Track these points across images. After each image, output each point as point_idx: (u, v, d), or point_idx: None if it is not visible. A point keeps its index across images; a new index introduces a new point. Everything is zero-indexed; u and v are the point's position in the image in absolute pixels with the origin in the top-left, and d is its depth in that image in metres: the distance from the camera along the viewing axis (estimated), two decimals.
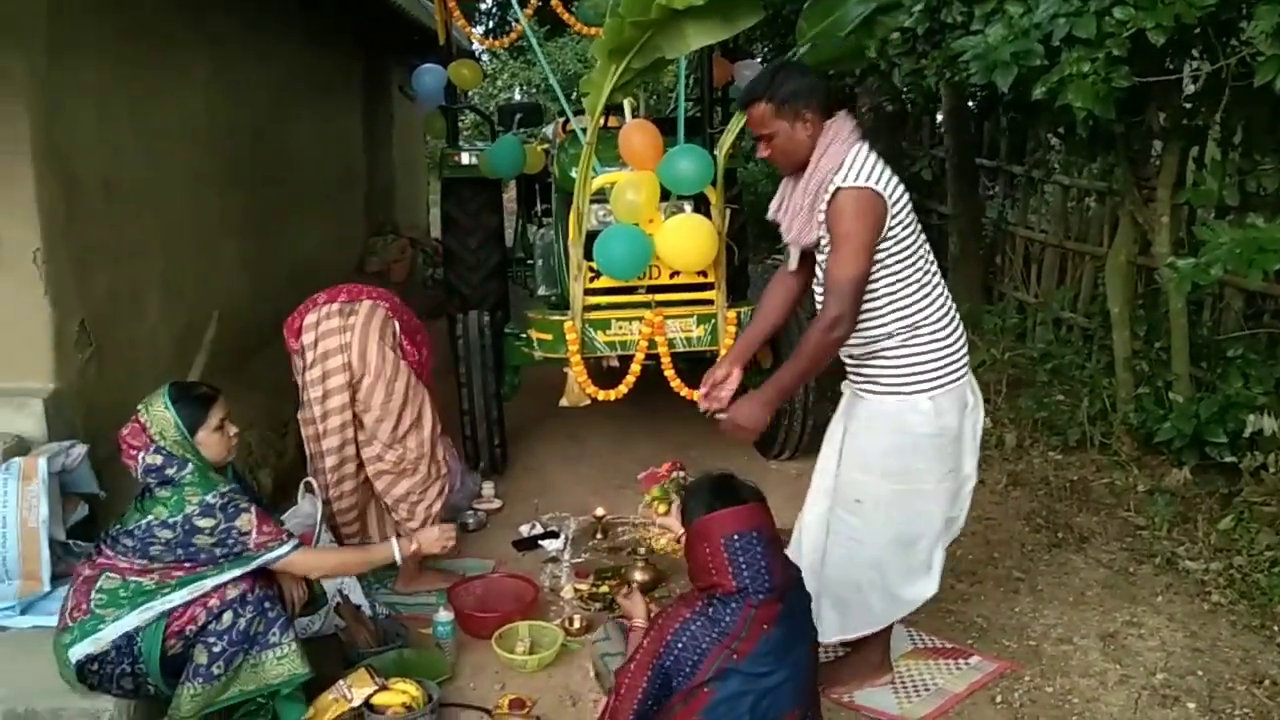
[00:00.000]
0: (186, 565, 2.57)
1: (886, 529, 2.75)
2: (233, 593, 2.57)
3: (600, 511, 4.00)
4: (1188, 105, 4.25)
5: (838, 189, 2.53)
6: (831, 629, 2.87)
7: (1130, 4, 3.14)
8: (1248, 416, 3.79)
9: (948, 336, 2.69)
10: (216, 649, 2.54)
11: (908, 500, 2.73)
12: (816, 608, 2.85)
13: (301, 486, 3.34)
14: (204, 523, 2.55)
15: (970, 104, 6.59)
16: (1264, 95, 3.28)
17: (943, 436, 2.71)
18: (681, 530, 2.46)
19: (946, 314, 2.70)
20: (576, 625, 3.28)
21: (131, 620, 2.54)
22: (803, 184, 2.64)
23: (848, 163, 2.55)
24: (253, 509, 2.64)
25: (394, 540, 2.93)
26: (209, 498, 2.57)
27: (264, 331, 4.88)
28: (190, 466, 2.61)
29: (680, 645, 2.22)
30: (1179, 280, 3.31)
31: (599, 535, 3.96)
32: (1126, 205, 4.57)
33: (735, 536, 2.22)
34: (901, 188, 2.62)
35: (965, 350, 2.75)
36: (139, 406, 2.68)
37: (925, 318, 2.65)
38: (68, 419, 3.37)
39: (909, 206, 2.64)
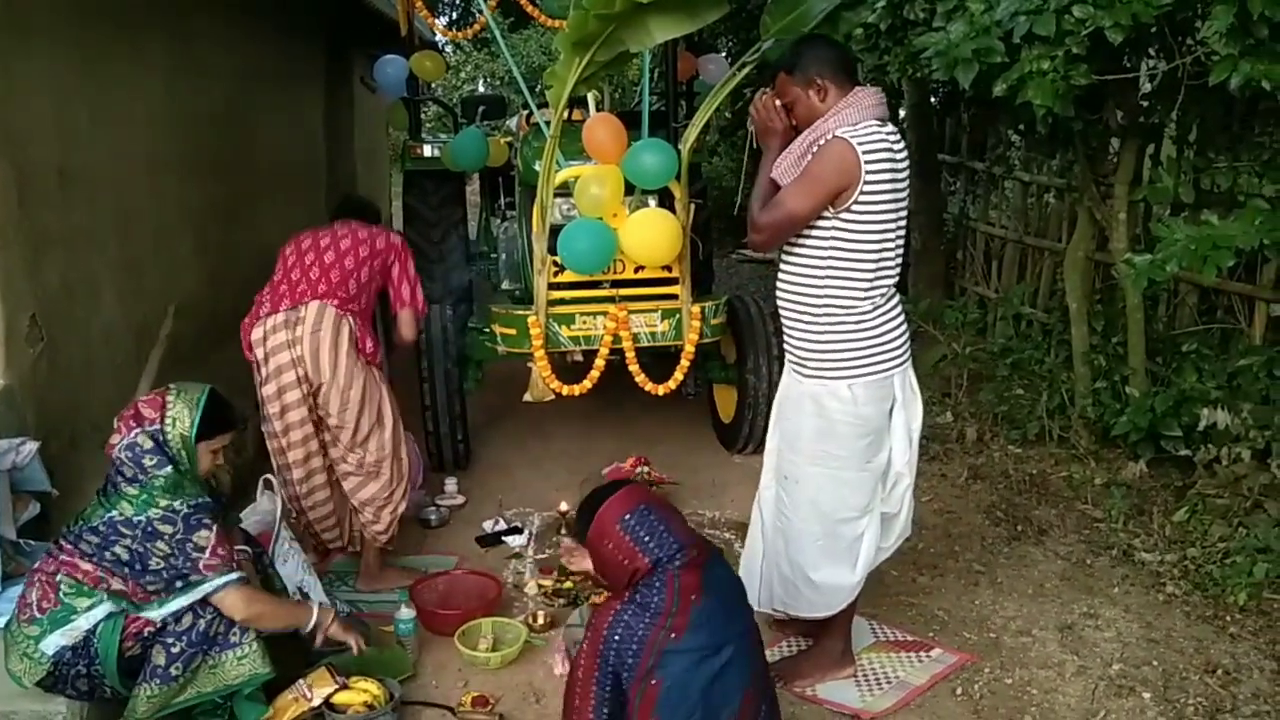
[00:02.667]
0: (139, 594, 2.54)
1: (809, 508, 2.82)
2: None
3: (564, 507, 3.98)
4: (1145, 104, 4.31)
5: (834, 136, 2.59)
6: (774, 597, 2.98)
7: (1089, 3, 3.17)
8: (1201, 410, 3.85)
9: (876, 328, 2.71)
10: (175, 649, 2.50)
11: (830, 485, 2.79)
12: (767, 577, 2.95)
13: (260, 484, 3.30)
14: (164, 528, 2.52)
15: (932, 100, 6.65)
16: (1218, 94, 3.34)
17: (861, 426, 2.75)
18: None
19: (882, 310, 2.72)
20: (540, 621, 3.27)
21: (105, 608, 2.51)
22: (805, 132, 2.70)
23: (856, 125, 2.60)
24: (214, 529, 2.58)
25: (315, 609, 2.79)
26: (176, 503, 2.55)
27: (223, 325, 4.80)
28: (168, 469, 2.58)
29: (617, 637, 2.22)
30: (1135, 276, 3.36)
31: (563, 531, 3.94)
32: (1085, 202, 4.63)
33: (627, 516, 2.30)
34: (890, 177, 2.62)
35: (897, 348, 2.76)
36: (172, 385, 2.69)
37: (856, 305, 2.68)
38: (19, 415, 3.30)
39: (890, 201, 2.64)
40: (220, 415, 2.71)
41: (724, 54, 7.41)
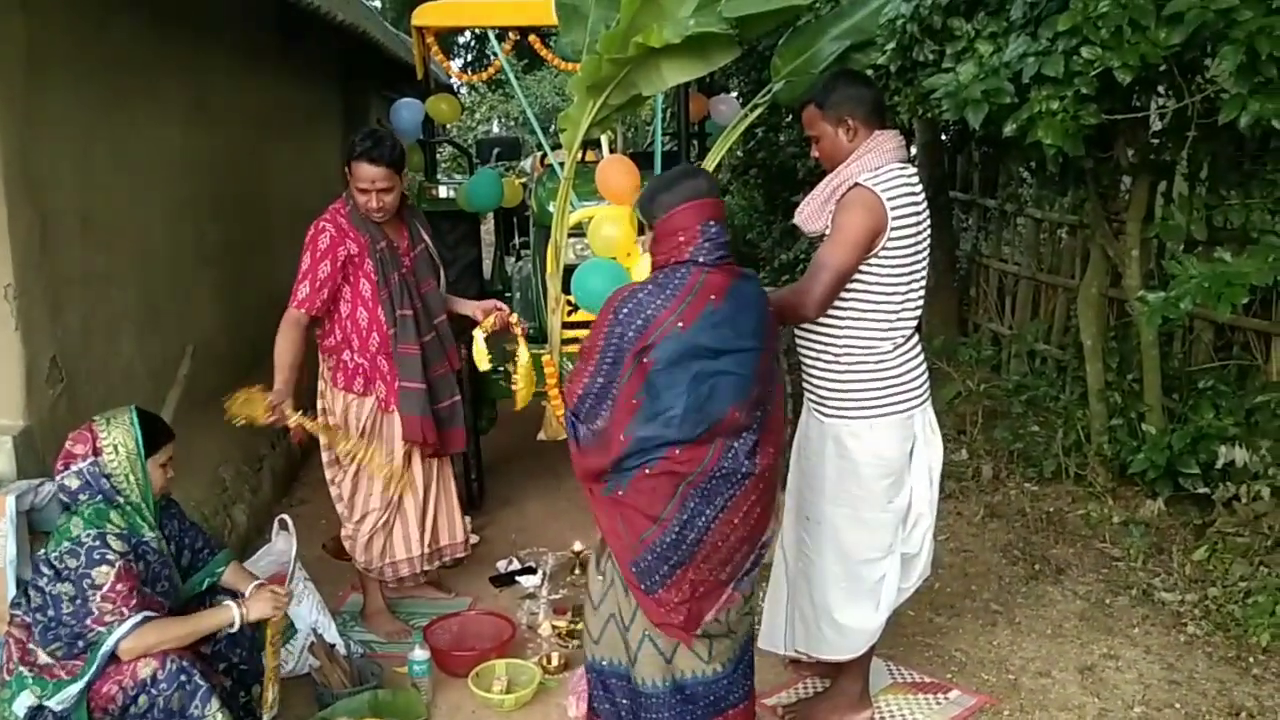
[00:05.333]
0: (58, 671, 2.49)
1: (831, 549, 2.81)
2: (144, 672, 2.47)
3: (579, 547, 3.98)
4: (1155, 141, 4.32)
5: (855, 184, 2.61)
6: (796, 639, 2.95)
7: (1097, 44, 3.20)
8: (1219, 447, 3.83)
9: (896, 367, 2.72)
10: None
11: (851, 526, 2.78)
12: (790, 619, 2.95)
13: (275, 523, 3.31)
14: (71, 562, 2.46)
15: (943, 138, 6.68)
16: (1228, 132, 3.34)
17: (882, 466, 2.74)
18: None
19: (902, 349, 2.73)
20: (554, 663, 3.25)
21: (27, 698, 2.49)
22: (828, 178, 2.72)
23: (878, 170, 2.63)
24: (117, 565, 2.47)
25: (234, 608, 2.70)
26: (84, 534, 2.49)
27: (241, 365, 4.84)
28: (100, 499, 2.55)
29: (625, 311, 2.35)
30: (1149, 313, 3.35)
31: (577, 571, 3.94)
32: (1097, 239, 4.63)
33: (711, 223, 2.43)
34: (914, 220, 2.65)
35: (917, 387, 2.77)
36: (96, 418, 2.65)
37: (877, 346, 2.70)
38: (38, 457, 3.31)
39: (914, 243, 2.67)
40: (156, 428, 2.71)
41: (735, 95, 7.48)
